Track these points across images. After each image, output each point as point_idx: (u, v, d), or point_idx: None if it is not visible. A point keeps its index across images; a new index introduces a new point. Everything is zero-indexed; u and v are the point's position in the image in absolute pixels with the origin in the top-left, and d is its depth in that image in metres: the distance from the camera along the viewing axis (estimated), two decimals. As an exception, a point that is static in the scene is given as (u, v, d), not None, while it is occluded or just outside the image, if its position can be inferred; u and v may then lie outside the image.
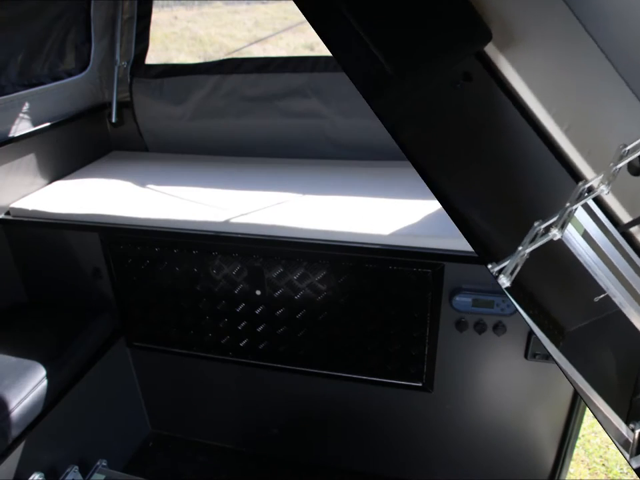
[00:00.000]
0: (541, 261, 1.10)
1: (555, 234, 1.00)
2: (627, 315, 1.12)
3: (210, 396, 2.29)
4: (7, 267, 2.14)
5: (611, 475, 2.30)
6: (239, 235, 1.80)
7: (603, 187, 0.99)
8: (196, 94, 2.45)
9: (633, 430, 1.16)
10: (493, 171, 1.35)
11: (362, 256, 1.71)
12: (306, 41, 11.52)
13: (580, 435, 2.33)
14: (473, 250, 1.60)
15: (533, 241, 1.06)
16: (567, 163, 1.34)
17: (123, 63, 2.49)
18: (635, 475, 2.24)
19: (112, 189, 2.16)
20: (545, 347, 1.64)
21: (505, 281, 1.01)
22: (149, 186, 2.17)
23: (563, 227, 1.01)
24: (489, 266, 1.07)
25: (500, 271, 1.03)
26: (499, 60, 1.30)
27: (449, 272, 1.66)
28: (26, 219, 2.03)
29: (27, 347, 1.87)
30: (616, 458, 2.37)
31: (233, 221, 1.81)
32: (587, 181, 1.13)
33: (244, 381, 2.18)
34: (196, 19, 14.23)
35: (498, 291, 1.63)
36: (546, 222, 1.09)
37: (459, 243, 1.61)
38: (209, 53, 11.20)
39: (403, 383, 1.91)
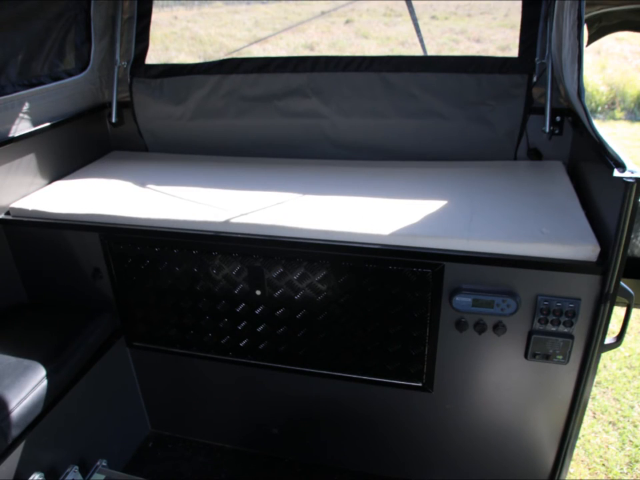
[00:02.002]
0: None
1: None
2: None
3: (210, 396, 2.29)
4: (7, 266, 2.14)
5: (611, 475, 2.30)
6: (239, 235, 1.80)
7: None
8: (196, 94, 2.45)
9: None
10: None
11: (362, 256, 1.71)
12: (306, 41, 11.54)
13: (580, 435, 2.32)
14: (472, 250, 1.61)
15: None
16: None
17: (123, 63, 2.50)
18: (635, 475, 2.24)
19: (112, 189, 2.16)
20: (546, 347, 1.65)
21: None
22: (148, 186, 2.17)
23: None
24: None
25: None
26: None
27: (448, 272, 1.66)
28: (26, 219, 2.03)
29: (27, 347, 1.87)
30: (616, 458, 2.37)
31: (233, 221, 1.81)
32: None
33: (244, 381, 2.18)
34: (196, 19, 14.25)
35: (498, 290, 1.63)
36: None
37: (458, 242, 1.62)
38: (209, 53, 11.22)
39: (402, 382, 1.91)
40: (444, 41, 10.95)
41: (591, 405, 2.68)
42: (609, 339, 1.61)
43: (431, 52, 2.37)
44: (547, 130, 2.06)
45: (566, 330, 1.62)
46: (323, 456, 2.27)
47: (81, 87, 2.43)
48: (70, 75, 2.36)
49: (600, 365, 2.65)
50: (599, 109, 8.02)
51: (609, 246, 1.47)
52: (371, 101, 2.26)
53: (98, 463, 1.92)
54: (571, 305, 1.57)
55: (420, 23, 2.34)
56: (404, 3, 2.29)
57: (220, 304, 1.97)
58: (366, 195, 1.95)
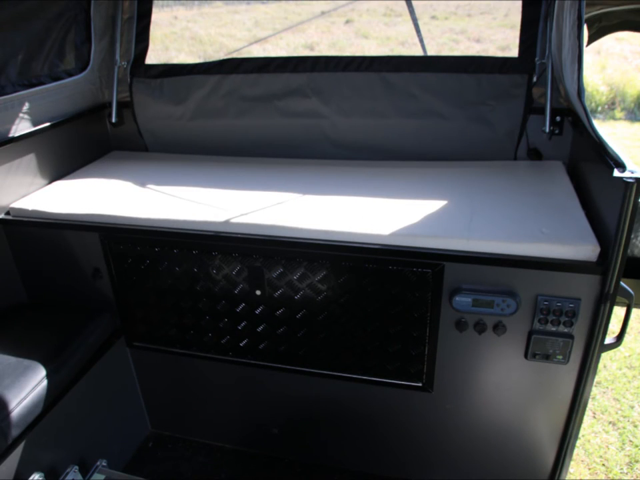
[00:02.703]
0: None
1: None
2: None
3: (210, 396, 2.29)
4: (7, 266, 2.14)
5: (611, 475, 2.30)
6: (239, 235, 1.80)
7: None
8: (196, 94, 2.45)
9: None
10: None
11: (362, 256, 1.71)
12: (306, 41, 11.54)
13: (580, 435, 2.32)
14: (472, 250, 1.61)
15: None
16: None
17: (123, 63, 2.50)
18: (635, 475, 2.24)
19: (112, 189, 2.16)
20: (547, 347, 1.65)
21: None
22: (148, 186, 2.17)
23: None
24: None
25: None
26: None
27: (448, 272, 1.66)
28: (26, 219, 2.03)
29: (27, 347, 1.87)
30: (616, 458, 2.37)
31: (233, 221, 1.81)
32: None
33: (244, 381, 2.18)
34: (196, 19, 14.25)
35: (498, 290, 1.63)
36: None
37: (458, 242, 1.62)
38: (209, 53, 11.21)
39: (402, 382, 1.91)
40: (444, 41, 10.94)
41: (590, 404, 2.68)
42: (609, 339, 1.61)
43: (431, 52, 2.37)
44: (547, 130, 2.06)
45: (566, 330, 1.62)
46: (323, 456, 2.27)
47: (81, 86, 2.43)
48: (70, 75, 2.36)
49: (600, 365, 2.65)
50: (599, 108, 8.02)
51: (609, 246, 1.47)
52: (371, 101, 2.26)
53: (98, 463, 1.92)
54: (570, 305, 1.57)
55: (420, 22, 2.34)
56: (404, 3, 2.29)
57: (220, 304, 1.97)
58: (366, 195, 1.95)
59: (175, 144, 2.59)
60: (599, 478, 2.29)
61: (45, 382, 1.75)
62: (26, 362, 1.78)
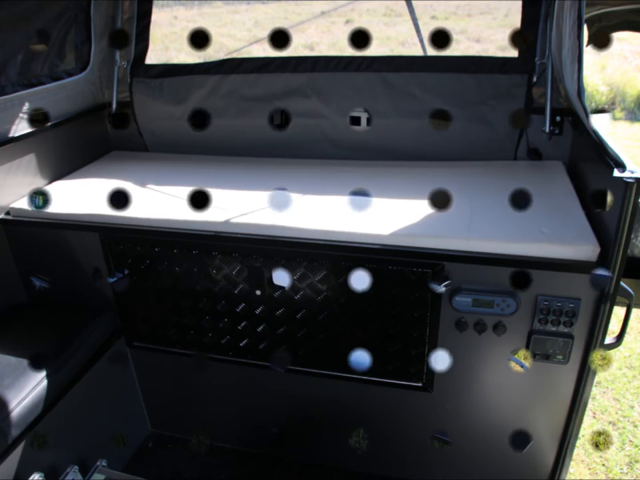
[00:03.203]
0: None
1: None
2: None
3: (210, 396, 2.29)
4: (7, 267, 2.14)
5: (610, 475, 2.30)
6: (239, 235, 1.80)
7: None
8: (196, 94, 2.45)
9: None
10: None
11: (362, 256, 1.71)
12: (306, 41, 11.54)
13: (580, 435, 2.32)
14: (473, 250, 1.61)
15: None
16: None
17: (123, 63, 2.50)
18: (635, 475, 2.24)
19: (112, 189, 2.16)
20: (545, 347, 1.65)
21: None
22: (148, 186, 2.17)
23: None
24: None
25: None
26: None
27: (448, 272, 1.66)
28: (26, 219, 2.03)
29: (27, 347, 1.87)
30: (616, 458, 2.37)
31: (233, 221, 1.81)
32: None
33: (244, 381, 2.18)
34: (196, 19, 14.26)
35: (498, 290, 1.63)
36: None
37: (458, 242, 1.62)
38: (209, 53, 11.20)
39: (402, 382, 1.91)
40: (444, 41, 10.93)
41: (590, 404, 2.68)
42: (609, 339, 1.61)
43: (431, 52, 2.37)
44: (547, 130, 2.06)
45: (566, 330, 1.62)
46: (323, 456, 2.27)
47: (81, 86, 2.43)
48: (70, 74, 2.36)
49: (600, 365, 2.65)
50: (599, 108, 8.01)
51: (609, 246, 1.47)
52: (371, 101, 2.26)
53: (98, 463, 1.92)
54: (570, 305, 1.57)
55: (420, 23, 2.34)
56: (404, 3, 2.29)
57: (220, 304, 1.97)
58: None
59: (174, 144, 2.59)
60: (599, 478, 2.29)
61: (45, 382, 1.75)
62: (26, 362, 1.78)
